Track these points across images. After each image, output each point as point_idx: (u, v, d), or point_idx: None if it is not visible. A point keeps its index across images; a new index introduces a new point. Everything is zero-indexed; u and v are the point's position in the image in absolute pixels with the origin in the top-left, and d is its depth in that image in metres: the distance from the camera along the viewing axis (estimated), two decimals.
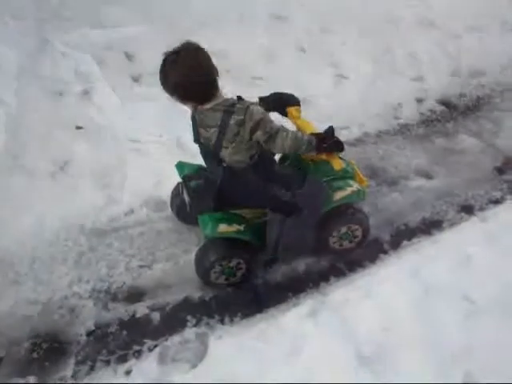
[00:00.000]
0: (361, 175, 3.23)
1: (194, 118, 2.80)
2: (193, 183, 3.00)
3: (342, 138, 3.94)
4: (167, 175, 3.74)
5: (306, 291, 3.16)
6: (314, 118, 4.21)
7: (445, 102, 4.70)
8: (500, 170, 4.08)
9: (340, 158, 3.09)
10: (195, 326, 2.97)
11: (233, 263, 3.11)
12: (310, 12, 5.85)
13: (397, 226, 3.59)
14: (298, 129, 3.09)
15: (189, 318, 3.01)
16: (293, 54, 5.19)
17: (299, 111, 3.07)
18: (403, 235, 3.52)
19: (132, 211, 3.55)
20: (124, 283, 3.17)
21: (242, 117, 2.61)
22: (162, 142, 3.98)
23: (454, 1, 6.13)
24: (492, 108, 4.73)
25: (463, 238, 3.35)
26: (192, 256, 3.28)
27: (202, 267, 3.11)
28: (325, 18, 5.74)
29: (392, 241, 3.49)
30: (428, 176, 3.97)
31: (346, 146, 3.90)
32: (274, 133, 2.69)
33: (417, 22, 5.88)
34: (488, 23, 5.84)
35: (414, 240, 3.47)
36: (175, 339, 2.87)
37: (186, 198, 3.05)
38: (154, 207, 3.59)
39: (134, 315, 3.01)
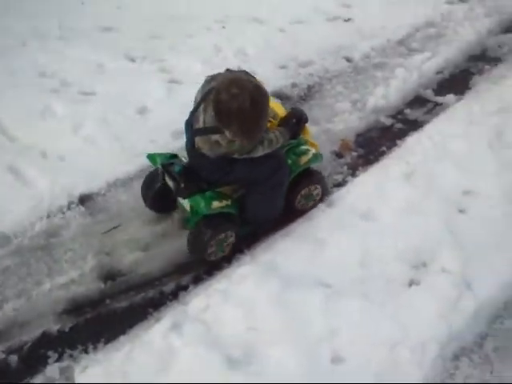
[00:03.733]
0: (311, 141, 3.64)
1: (208, 93, 3.00)
2: (176, 168, 3.22)
3: (179, 144, 4.02)
4: (6, 206, 3.59)
5: (166, 304, 3.16)
6: (153, 127, 4.27)
7: (278, 94, 4.82)
8: (338, 154, 4.28)
9: None
10: (58, 360, 2.88)
11: (224, 236, 3.34)
12: (136, 20, 5.85)
13: None
14: None
15: (50, 353, 2.91)
16: (123, 65, 5.14)
17: None
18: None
19: None
20: None
21: (223, 143, 2.95)
22: None
23: None
24: (323, 95, 4.94)
25: (313, 226, 3.51)
26: (45, 287, 3.22)
27: (200, 245, 3.30)
28: (151, 24, 5.75)
29: (244, 238, 3.55)
30: None
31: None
32: (253, 150, 3.04)
33: (244, 19, 6.03)
34: (310, 15, 6.09)
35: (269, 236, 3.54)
36: (38, 379, 2.79)
37: (171, 183, 3.24)
38: None
39: None
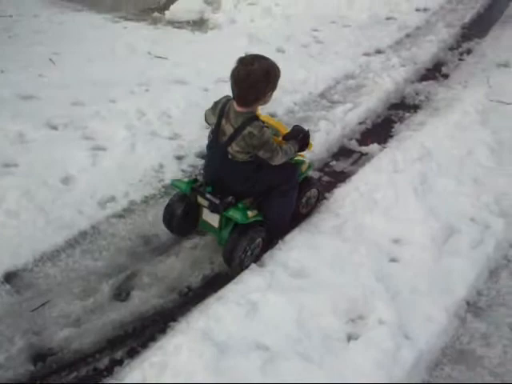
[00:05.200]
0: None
1: (222, 108, 3.51)
2: (208, 188, 3.57)
3: (108, 212, 3.95)
4: None
5: (101, 381, 3.03)
6: (78, 197, 4.17)
7: (204, 155, 4.78)
8: None
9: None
10: None
11: (257, 243, 3.70)
12: (58, 87, 5.78)
13: (180, 290, 3.60)
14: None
15: None
16: (45, 134, 5.02)
17: None
18: (190, 299, 3.54)
19: None
20: None
21: (255, 132, 3.35)
22: None
23: (202, 60, 6.46)
24: None
25: (246, 288, 3.44)
26: None
27: (238, 255, 3.58)
28: (73, 90, 5.70)
29: (180, 306, 3.48)
30: (200, 233, 4.03)
31: (115, 220, 3.93)
32: (275, 154, 3.48)
33: (167, 82, 6.04)
34: None
35: (202, 301, 3.46)
36: None
37: (205, 202, 3.57)
38: None
39: None
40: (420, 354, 3.12)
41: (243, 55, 3.42)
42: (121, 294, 3.55)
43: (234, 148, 3.44)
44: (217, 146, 3.54)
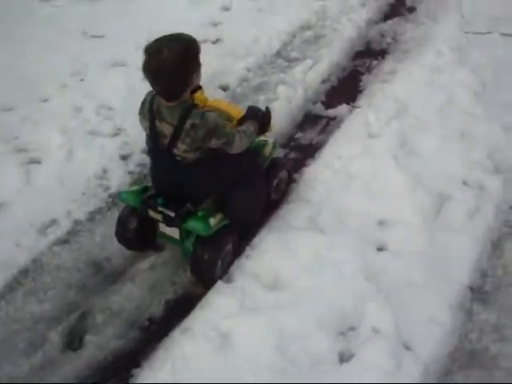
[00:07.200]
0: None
1: (150, 108, 3.01)
2: (159, 200, 3.12)
3: (50, 239, 3.48)
4: None
5: None
6: (14, 226, 3.63)
7: None
8: None
9: None
10: None
11: (227, 251, 3.29)
12: None
13: (140, 324, 3.15)
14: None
15: None
16: None
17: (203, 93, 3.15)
18: (153, 334, 3.09)
19: None
20: None
21: (197, 122, 2.88)
22: None
23: (142, 32, 5.83)
24: None
25: (214, 313, 3.00)
26: None
27: (207, 269, 3.19)
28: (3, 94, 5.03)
29: (143, 345, 3.04)
30: (159, 249, 3.55)
31: (59, 248, 3.46)
32: (232, 138, 3.02)
33: (104, 65, 5.42)
34: None
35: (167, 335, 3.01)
36: None
37: (158, 216, 3.13)
38: None
39: None
40: (425, 365, 2.74)
41: (147, 44, 2.84)
42: (73, 341, 3.09)
43: (180, 148, 2.98)
44: (159, 151, 3.08)
